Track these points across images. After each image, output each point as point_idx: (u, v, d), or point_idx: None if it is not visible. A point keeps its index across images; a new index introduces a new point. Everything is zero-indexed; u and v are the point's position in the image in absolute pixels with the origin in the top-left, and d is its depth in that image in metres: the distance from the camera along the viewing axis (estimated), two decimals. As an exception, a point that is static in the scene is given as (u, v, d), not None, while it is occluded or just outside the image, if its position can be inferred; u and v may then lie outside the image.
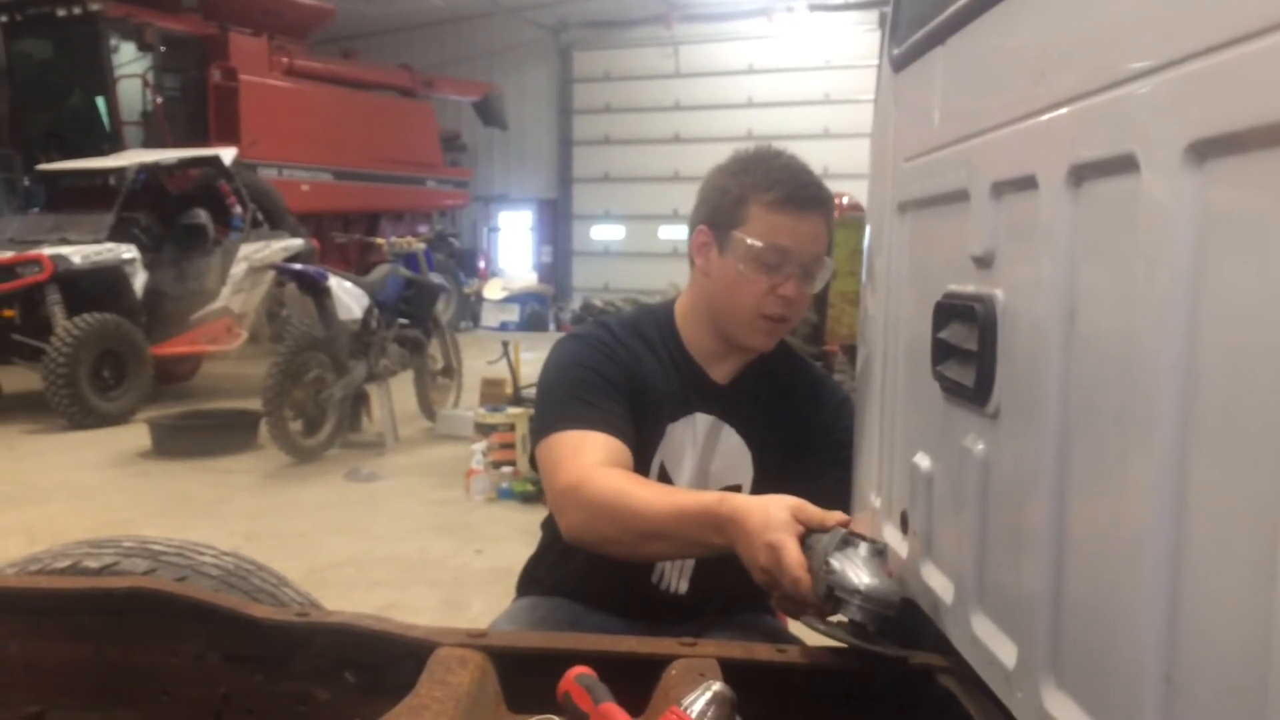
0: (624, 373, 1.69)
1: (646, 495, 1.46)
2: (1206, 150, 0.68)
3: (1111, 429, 0.81)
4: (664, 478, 1.72)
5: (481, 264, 17.70)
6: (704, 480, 1.74)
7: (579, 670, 1.09)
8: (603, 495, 1.46)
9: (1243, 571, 0.65)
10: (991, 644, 1.05)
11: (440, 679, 1.06)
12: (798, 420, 1.78)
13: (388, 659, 1.20)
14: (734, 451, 1.75)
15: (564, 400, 1.64)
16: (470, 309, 15.17)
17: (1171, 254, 0.71)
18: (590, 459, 1.52)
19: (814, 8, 15.44)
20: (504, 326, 8.84)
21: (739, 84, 16.28)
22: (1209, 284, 0.69)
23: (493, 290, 11.60)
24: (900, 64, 1.48)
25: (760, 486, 1.73)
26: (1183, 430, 0.71)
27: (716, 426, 1.75)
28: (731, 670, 1.13)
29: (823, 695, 1.23)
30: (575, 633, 1.44)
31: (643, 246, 17.28)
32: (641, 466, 1.68)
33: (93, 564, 1.43)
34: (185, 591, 1.24)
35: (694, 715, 0.95)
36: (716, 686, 1.00)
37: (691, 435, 1.74)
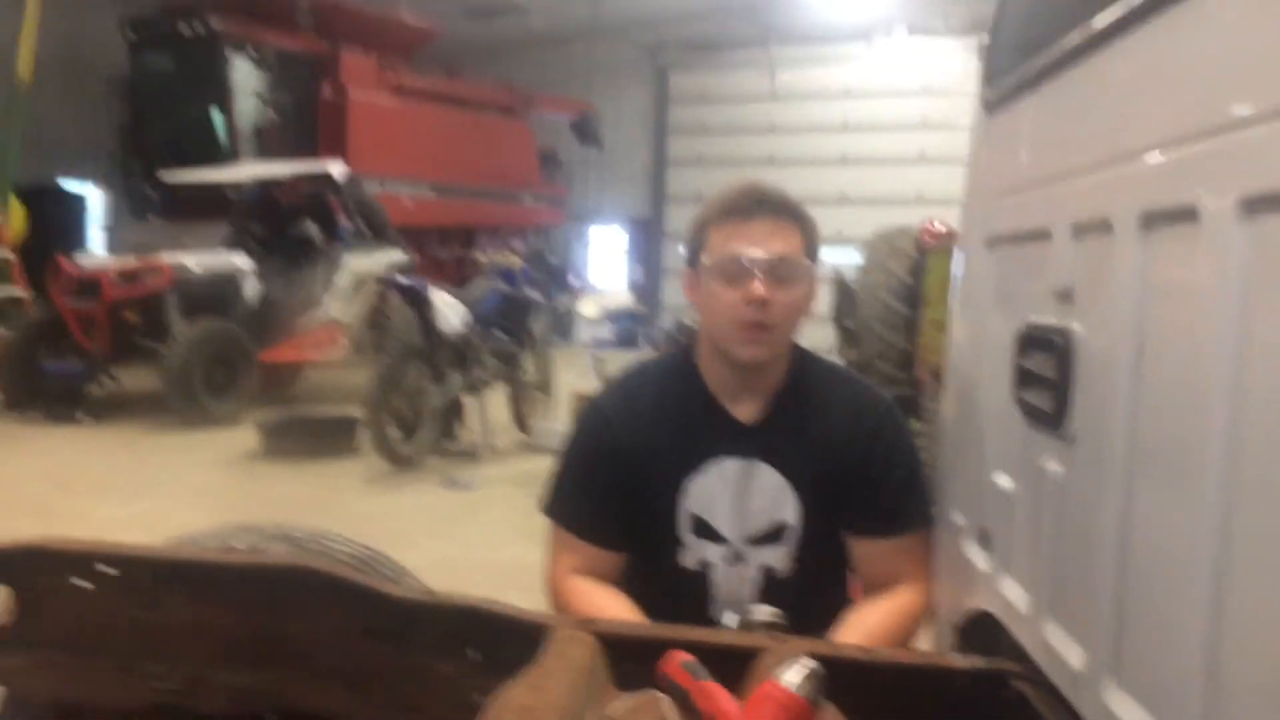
0: (620, 459, 1.77)
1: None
2: (1257, 206, 0.78)
3: (1173, 455, 0.91)
4: (702, 525, 1.77)
5: (575, 281, 17.91)
6: (745, 519, 1.76)
7: (680, 654, 1.20)
8: (565, 608, 1.74)
9: None
10: (1061, 649, 1.14)
11: (561, 653, 1.19)
12: (839, 444, 1.77)
13: (505, 638, 1.32)
14: (773, 489, 1.76)
15: (562, 489, 1.84)
16: (563, 325, 15.34)
17: (1225, 299, 0.81)
18: (569, 564, 1.78)
19: (914, 32, 15.34)
20: (597, 343, 8.97)
21: (835, 108, 16.10)
22: (1257, 327, 0.78)
23: (589, 308, 11.74)
24: (993, 107, 1.58)
25: (812, 521, 1.76)
26: (1232, 458, 0.80)
27: (749, 467, 1.75)
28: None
29: (903, 694, 1.32)
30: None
31: (734, 267, 17.21)
32: (667, 522, 1.77)
33: (240, 545, 1.60)
34: (331, 570, 1.39)
35: (792, 687, 1.05)
36: (811, 662, 1.09)
37: (720, 480, 1.76)
